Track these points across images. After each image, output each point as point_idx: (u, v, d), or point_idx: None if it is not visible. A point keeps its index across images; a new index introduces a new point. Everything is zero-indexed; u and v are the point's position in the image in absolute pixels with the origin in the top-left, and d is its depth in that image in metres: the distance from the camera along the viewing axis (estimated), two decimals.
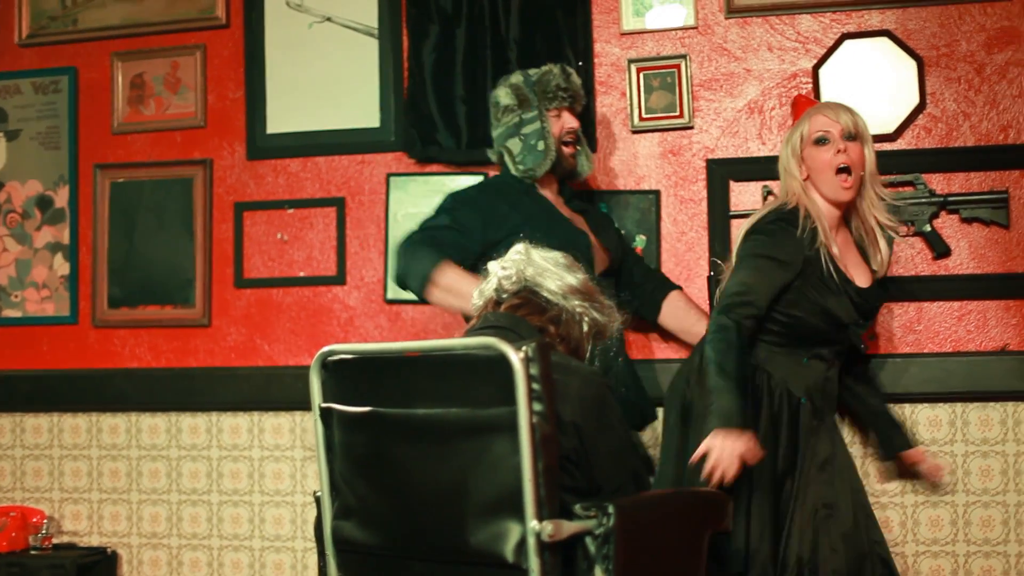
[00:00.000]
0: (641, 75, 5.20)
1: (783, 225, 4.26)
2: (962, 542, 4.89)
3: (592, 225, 4.79)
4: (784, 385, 4.25)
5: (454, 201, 4.73)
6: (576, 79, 4.79)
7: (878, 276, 4.41)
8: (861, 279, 4.34)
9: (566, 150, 4.70)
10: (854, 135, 4.31)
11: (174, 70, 5.74)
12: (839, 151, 4.28)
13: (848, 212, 4.41)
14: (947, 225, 4.93)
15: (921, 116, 5.00)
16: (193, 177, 5.66)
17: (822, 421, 4.31)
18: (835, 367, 4.38)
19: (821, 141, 4.32)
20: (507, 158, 4.73)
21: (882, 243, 4.39)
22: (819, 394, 4.30)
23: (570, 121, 4.73)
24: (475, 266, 4.28)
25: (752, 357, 4.22)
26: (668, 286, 5.04)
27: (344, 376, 3.46)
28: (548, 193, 4.75)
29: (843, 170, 4.28)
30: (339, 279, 5.49)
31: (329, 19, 5.56)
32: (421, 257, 4.48)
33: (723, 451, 3.91)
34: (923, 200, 4.91)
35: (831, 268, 4.22)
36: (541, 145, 4.67)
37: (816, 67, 5.09)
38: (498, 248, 4.14)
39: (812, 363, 4.30)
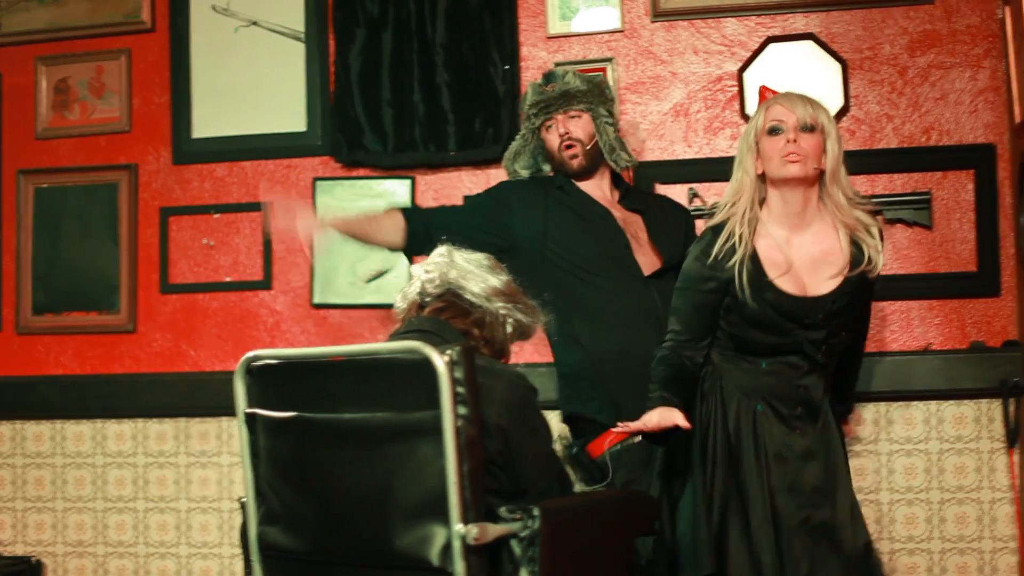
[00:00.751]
0: None
1: (703, 246, 4.07)
2: (887, 539, 4.93)
3: (649, 224, 4.68)
4: (739, 392, 4.07)
5: (491, 187, 4.88)
6: (565, 80, 4.67)
7: (851, 276, 4.01)
8: (813, 284, 4.02)
9: (567, 153, 4.64)
10: (811, 126, 4.02)
11: (99, 75, 5.70)
12: (789, 141, 3.99)
13: (831, 214, 4.08)
14: None
15: (845, 118, 5.04)
16: (118, 182, 5.62)
17: (792, 428, 4.04)
18: (815, 374, 4.07)
19: (774, 131, 4.03)
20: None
21: (868, 238, 4.05)
22: (788, 401, 4.05)
23: (561, 127, 4.62)
24: (456, 243, 4.00)
25: (708, 368, 4.12)
26: None
27: (269, 381, 3.44)
28: (595, 189, 4.69)
29: (789, 157, 4.00)
30: (265, 284, 5.47)
31: (255, 23, 5.54)
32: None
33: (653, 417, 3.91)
34: None
35: (742, 282, 3.97)
36: (529, 163, 4.80)
37: (741, 70, 5.13)
38: (518, 237, 4.56)
39: (778, 369, 4.05)
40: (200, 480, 5.49)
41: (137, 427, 5.55)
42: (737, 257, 4.00)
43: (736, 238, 4.02)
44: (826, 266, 4.05)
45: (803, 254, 4.06)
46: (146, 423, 5.54)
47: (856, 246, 4.04)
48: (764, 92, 4.44)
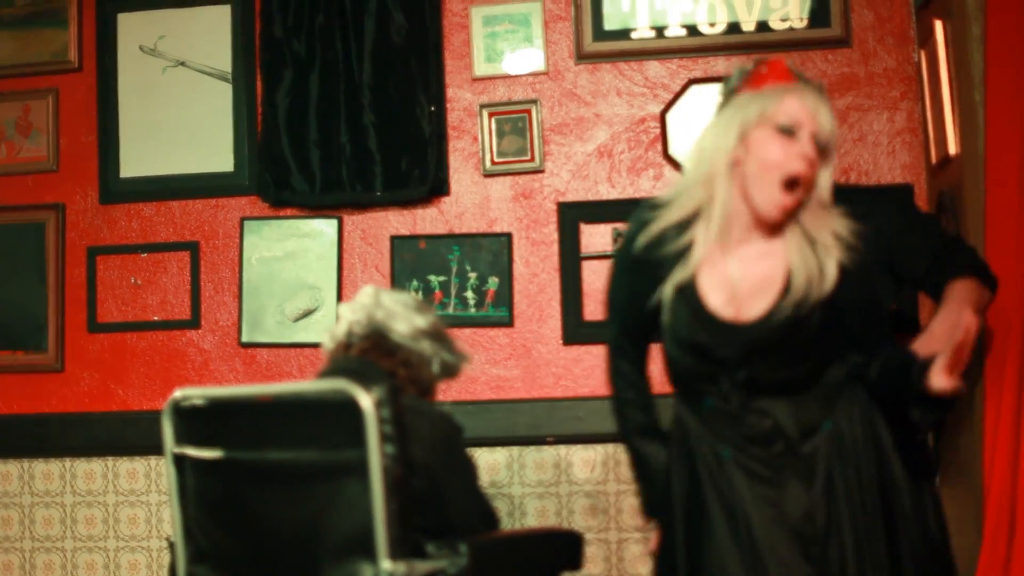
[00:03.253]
0: (493, 119, 5.27)
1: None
2: None
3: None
4: (703, 437, 3.34)
5: None
6: None
7: (788, 303, 3.21)
8: (750, 307, 3.26)
9: None
10: (824, 146, 3.25)
11: (26, 114, 5.69)
12: (804, 156, 3.20)
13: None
14: None
15: None
16: (45, 222, 5.60)
17: (775, 480, 3.25)
18: (785, 395, 3.26)
19: (787, 131, 3.21)
20: None
21: (830, 262, 3.24)
22: (761, 440, 3.26)
23: None
24: None
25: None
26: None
27: (197, 420, 3.46)
28: None
29: (792, 183, 3.22)
30: (194, 323, 5.47)
31: (183, 63, 5.55)
32: None
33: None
34: None
35: (672, 300, 3.32)
36: None
37: (664, 112, 5.20)
38: None
39: (723, 402, 3.29)
40: (129, 519, 5.47)
41: (65, 466, 5.53)
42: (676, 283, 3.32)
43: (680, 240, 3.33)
44: (761, 290, 3.27)
45: (746, 269, 3.31)
46: (74, 462, 5.52)
47: (809, 260, 3.24)
48: (770, 69, 3.36)
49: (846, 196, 3.43)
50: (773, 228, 3.29)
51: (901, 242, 3.49)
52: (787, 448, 3.24)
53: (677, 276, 3.31)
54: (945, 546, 3.34)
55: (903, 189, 5.04)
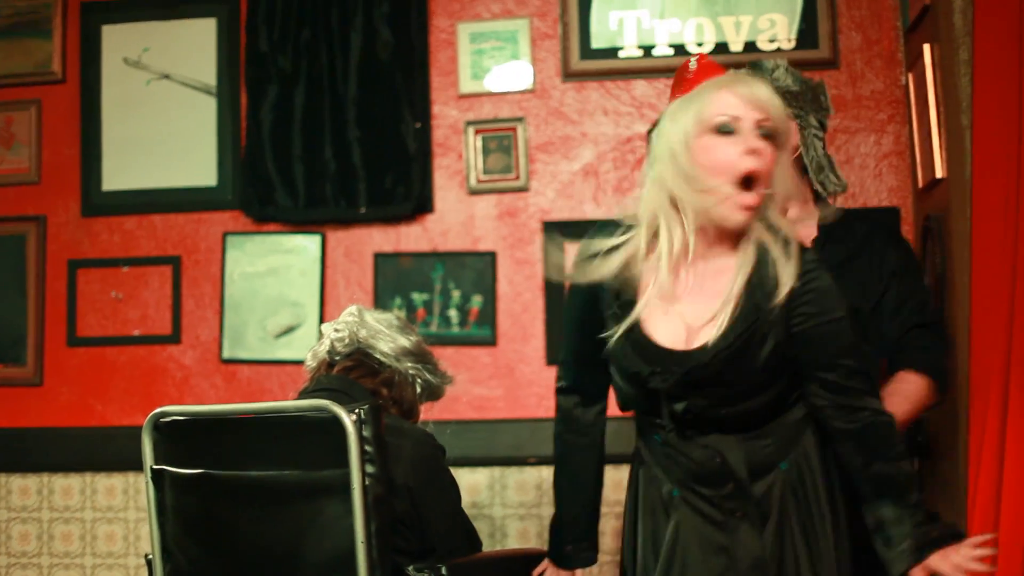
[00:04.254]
0: (478, 137, 5.26)
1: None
2: None
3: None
4: (657, 473, 3.15)
5: None
6: (775, 76, 3.77)
7: (733, 330, 2.96)
8: (698, 335, 3.00)
9: None
10: (772, 132, 2.96)
11: (8, 125, 5.66)
12: (750, 150, 2.92)
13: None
14: None
15: None
16: (26, 234, 5.57)
17: (726, 523, 3.03)
18: (734, 434, 3.05)
19: (725, 129, 2.94)
20: None
21: (784, 270, 2.96)
22: (710, 479, 3.04)
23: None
24: None
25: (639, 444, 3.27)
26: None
27: (177, 437, 3.44)
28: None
29: (747, 182, 2.94)
30: (174, 338, 5.44)
31: (167, 76, 5.53)
32: None
33: None
34: None
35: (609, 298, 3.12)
36: None
37: (650, 131, 5.15)
38: None
39: (673, 436, 3.08)
40: (106, 535, 5.44)
41: (42, 481, 5.49)
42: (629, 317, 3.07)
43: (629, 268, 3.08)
44: (714, 313, 3.01)
45: (697, 295, 3.05)
46: (51, 477, 5.49)
47: (760, 273, 2.98)
48: (698, 70, 3.13)
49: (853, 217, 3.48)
50: (737, 237, 3.03)
51: (894, 289, 3.53)
52: (738, 489, 3.02)
53: (625, 311, 3.06)
54: None
55: (889, 212, 5.02)
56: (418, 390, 3.75)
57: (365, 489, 3.11)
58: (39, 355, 5.53)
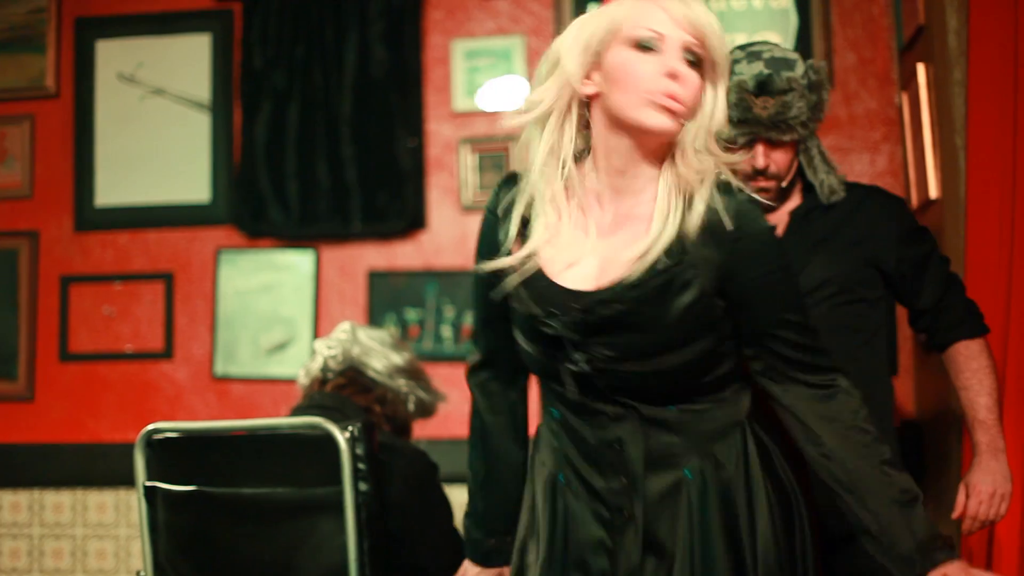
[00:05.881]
0: (472, 154, 5.25)
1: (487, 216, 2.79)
2: None
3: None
4: (549, 457, 2.77)
5: None
6: (787, 90, 3.35)
7: (645, 262, 2.50)
8: (606, 272, 2.56)
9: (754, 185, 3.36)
10: (699, 59, 2.53)
11: (1, 140, 5.66)
12: (669, 72, 2.48)
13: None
14: None
15: None
16: (18, 249, 5.57)
17: (614, 520, 2.63)
18: (629, 421, 2.59)
19: (645, 45, 2.50)
20: None
21: (718, 211, 2.51)
22: (601, 465, 2.64)
23: (761, 159, 3.36)
24: None
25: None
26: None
27: (169, 454, 3.43)
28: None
29: (663, 108, 2.48)
30: (167, 354, 5.43)
31: (161, 92, 5.53)
32: None
33: None
34: None
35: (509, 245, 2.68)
36: None
37: None
38: None
39: (572, 416, 2.68)
40: (97, 552, 5.42)
41: (33, 497, 5.48)
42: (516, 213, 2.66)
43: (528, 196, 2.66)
44: (628, 247, 2.56)
45: (608, 231, 2.61)
46: (42, 493, 5.47)
47: (689, 212, 2.53)
48: None
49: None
50: (641, 183, 2.58)
51: (902, 256, 3.41)
52: (631, 486, 2.60)
53: (517, 253, 2.62)
54: None
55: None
56: (411, 407, 3.75)
57: (358, 506, 3.11)
58: (31, 370, 5.52)
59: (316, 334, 5.25)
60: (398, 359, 3.72)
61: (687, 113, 2.49)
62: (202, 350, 5.42)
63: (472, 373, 2.94)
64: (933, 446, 4.52)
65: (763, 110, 3.29)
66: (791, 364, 2.58)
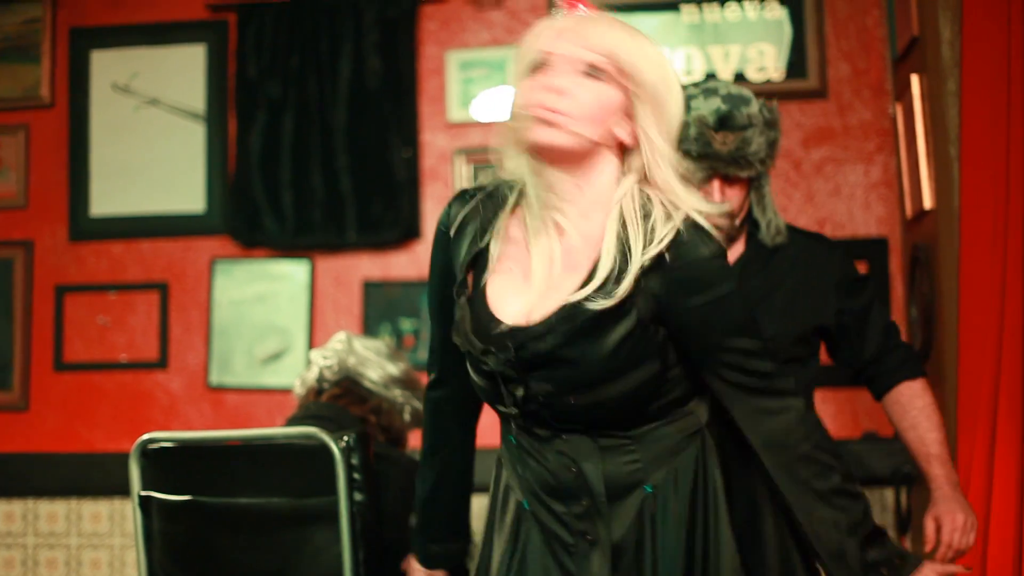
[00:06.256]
0: (467, 165, 5.26)
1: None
2: None
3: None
4: (512, 482, 2.71)
5: None
6: (746, 131, 3.30)
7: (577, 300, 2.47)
8: (542, 306, 2.52)
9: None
10: (596, 69, 2.46)
11: None
12: (546, 87, 2.44)
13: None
14: None
15: None
16: (13, 259, 5.56)
17: (575, 545, 2.58)
18: (601, 455, 2.55)
19: (536, 66, 2.50)
20: None
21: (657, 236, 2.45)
22: (563, 491, 2.58)
23: (717, 194, 3.34)
24: None
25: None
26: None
27: (164, 464, 3.43)
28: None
29: (540, 121, 2.44)
30: (161, 364, 5.43)
31: (156, 102, 5.53)
32: None
33: None
34: None
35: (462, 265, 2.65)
36: None
37: None
38: None
39: (528, 440, 2.62)
40: (91, 562, 5.42)
41: (27, 507, 5.47)
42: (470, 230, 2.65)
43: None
44: (568, 280, 2.53)
45: (553, 268, 2.55)
46: (37, 503, 5.47)
47: (627, 240, 2.48)
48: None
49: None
50: (600, 190, 2.53)
51: (843, 307, 3.41)
52: (592, 508, 2.56)
53: (466, 282, 2.63)
54: None
55: (878, 243, 5.03)
56: (407, 418, 3.74)
57: (353, 517, 3.11)
58: (25, 380, 5.52)
59: (311, 344, 5.25)
60: (394, 369, 3.72)
61: (571, 122, 2.42)
62: (197, 360, 5.42)
63: (428, 390, 2.91)
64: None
65: (723, 145, 3.24)
66: (740, 388, 2.55)
